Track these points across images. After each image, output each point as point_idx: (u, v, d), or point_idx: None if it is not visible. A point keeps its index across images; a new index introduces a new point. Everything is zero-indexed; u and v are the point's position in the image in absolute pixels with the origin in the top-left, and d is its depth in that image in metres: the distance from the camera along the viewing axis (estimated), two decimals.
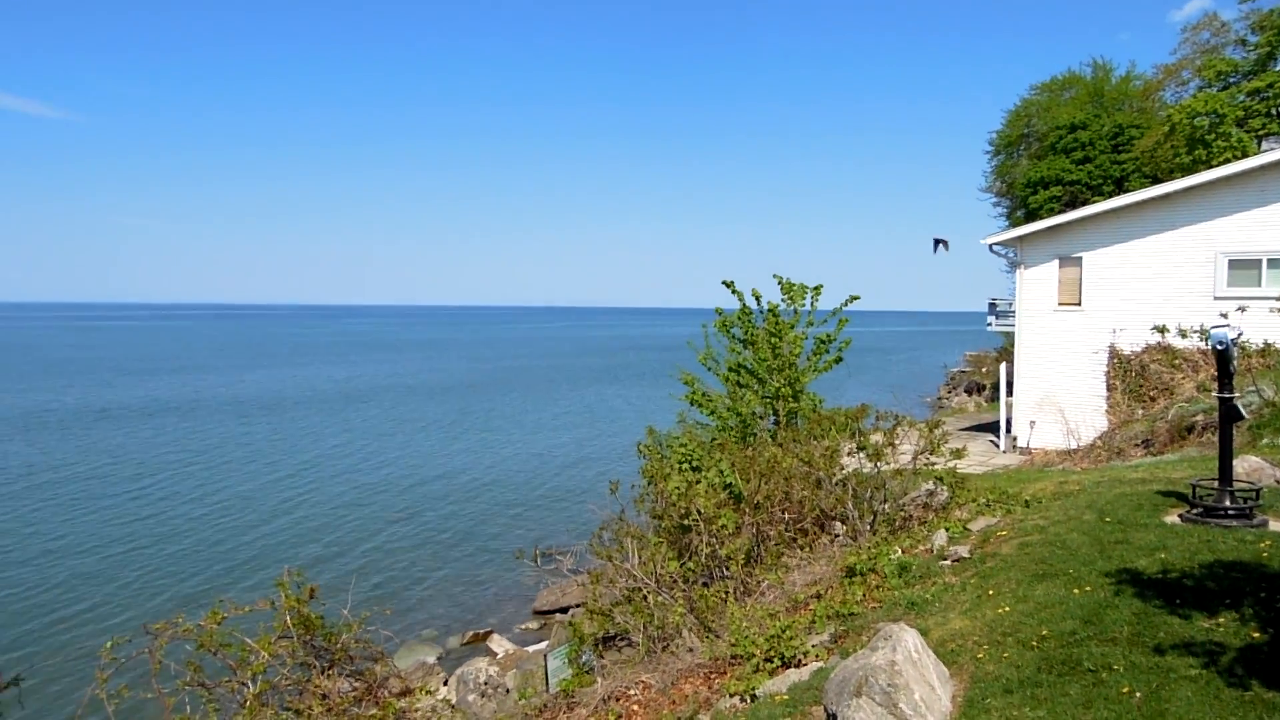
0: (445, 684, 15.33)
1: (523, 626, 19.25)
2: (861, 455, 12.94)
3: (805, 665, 7.90)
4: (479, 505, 30.22)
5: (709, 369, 20.15)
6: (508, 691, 13.94)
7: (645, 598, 10.70)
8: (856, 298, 20.47)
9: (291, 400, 61.57)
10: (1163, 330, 20.08)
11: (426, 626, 19.15)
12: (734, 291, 20.32)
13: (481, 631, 18.57)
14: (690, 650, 9.51)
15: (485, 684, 14.16)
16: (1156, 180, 39.42)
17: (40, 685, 14.47)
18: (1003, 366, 27.67)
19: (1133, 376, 22.64)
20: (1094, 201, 32.97)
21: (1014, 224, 50.11)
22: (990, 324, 37.45)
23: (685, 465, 13.52)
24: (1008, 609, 7.53)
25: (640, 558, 11.38)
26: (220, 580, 21.85)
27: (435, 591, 21.41)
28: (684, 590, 10.76)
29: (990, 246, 26.31)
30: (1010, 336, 28.94)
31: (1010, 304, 32.39)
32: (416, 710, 9.08)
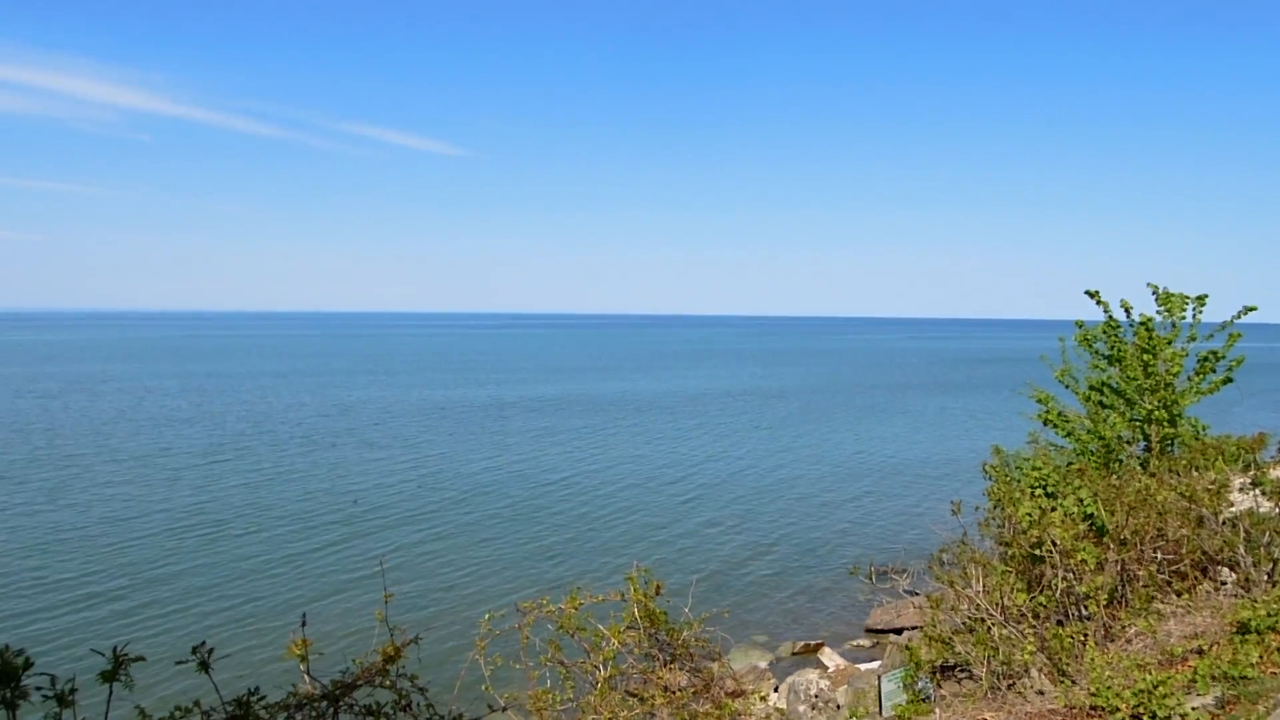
0: (775, 690, 15.49)
1: (854, 643, 18.94)
2: (1258, 492, 11.21)
3: None
4: (815, 516, 30.20)
5: (1066, 386, 18.50)
6: (838, 707, 13.79)
7: (989, 629, 10.08)
8: (1252, 309, 17.71)
9: (647, 404, 65.59)
10: None
11: (759, 631, 19.48)
12: (1099, 302, 18.47)
13: (813, 643, 18.52)
14: (1040, 693, 8.81)
15: (816, 696, 14.11)
16: None
17: (434, 644, 16.71)
18: None
19: None
20: None
21: None
22: None
23: (1038, 490, 12.54)
24: None
25: (984, 586, 10.73)
26: (578, 567, 23.82)
27: (769, 598, 21.71)
28: (1033, 626, 9.98)
29: None
30: None
31: None
32: (750, 714, 9.27)
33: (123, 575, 22.50)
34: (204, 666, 4.24)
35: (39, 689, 3.64)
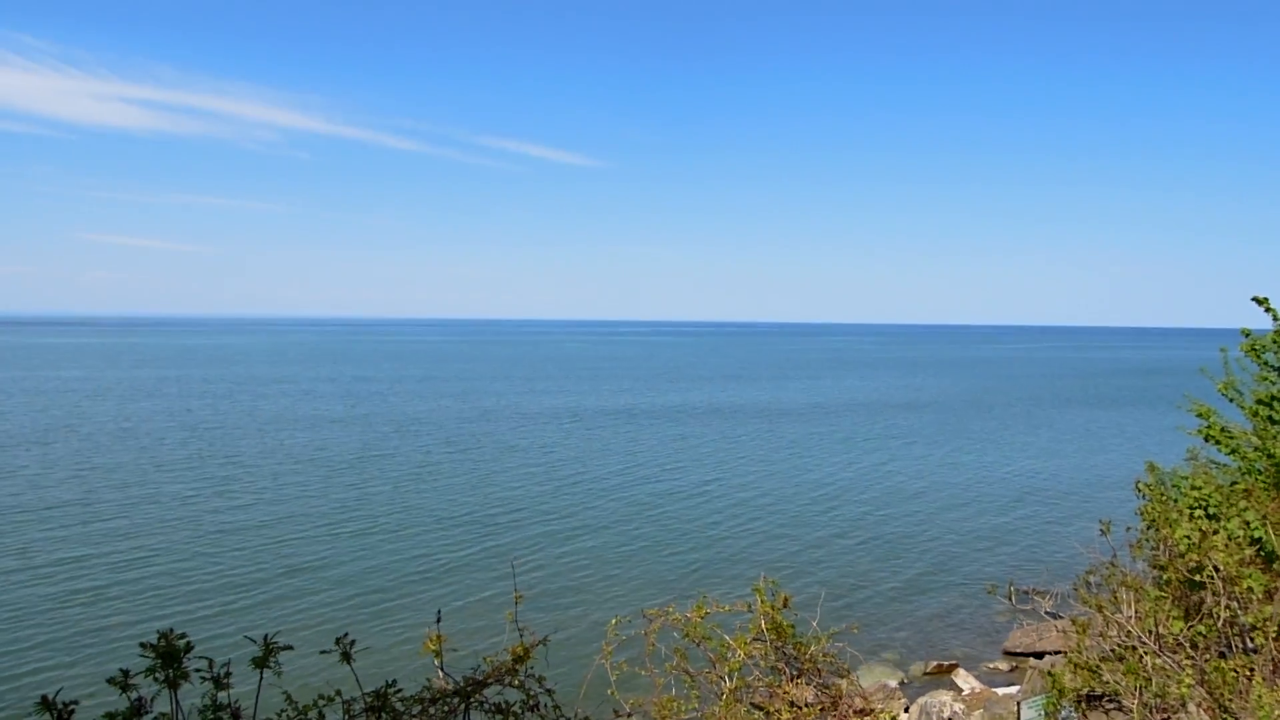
0: (906, 711, 15.03)
1: (991, 665, 18.16)
2: None
3: None
4: (950, 530, 29.18)
5: (1230, 400, 17.21)
6: None
7: (1141, 658, 9.47)
8: None
9: (780, 412, 65.01)
10: None
11: (888, 649, 18.95)
12: (1268, 309, 17.11)
13: (946, 664, 17.87)
14: None
15: (949, 719, 13.62)
16: None
17: (562, 645, 16.99)
18: None
19: None
20: None
21: None
22: None
23: (1197, 511, 11.75)
24: None
25: (1136, 611, 10.11)
26: (705, 575, 23.80)
27: (900, 615, 21.09)
28: (1191, 657, 9.33)
29: None
30: None
31: None
32: None
33: (276, 568, 23.87)
34: (346, 657, 4.44)
35: (197, 671, 3.89)
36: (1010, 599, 20.96)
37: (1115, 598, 10.42)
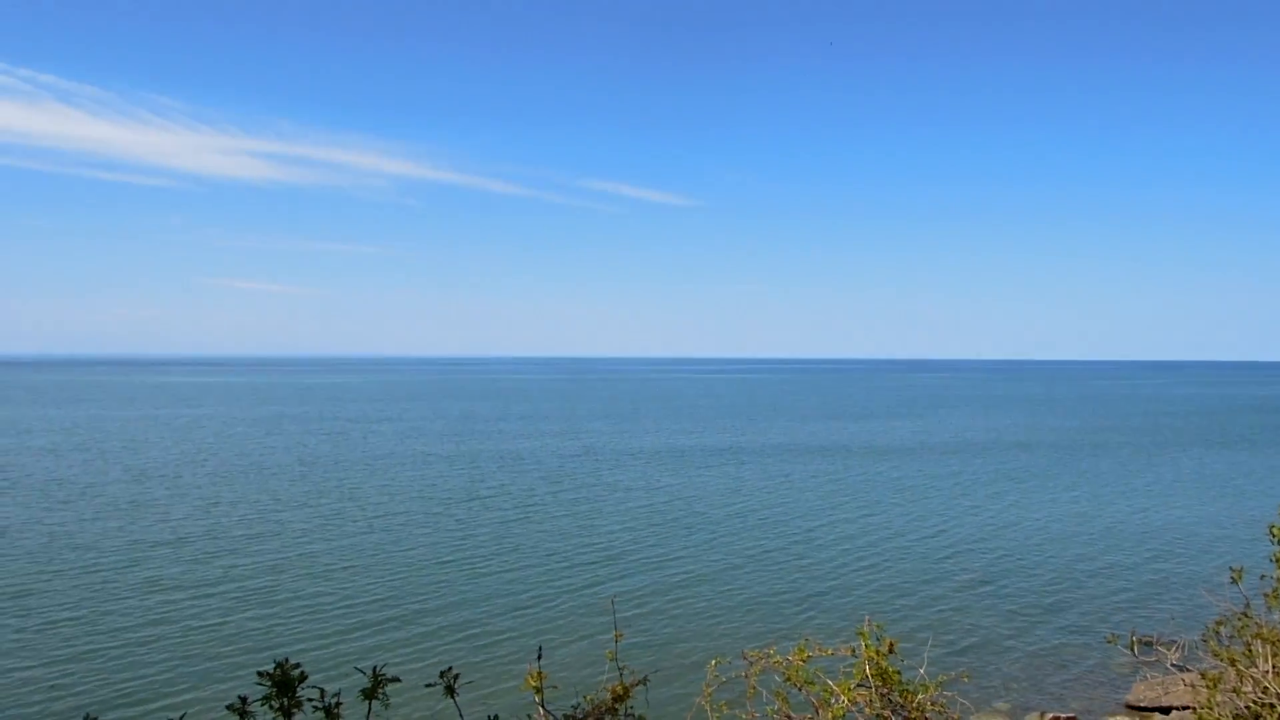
0: None
1: (1111, 719, 17.19)
2: None
3: None
4: (1066, 574, 27.88)
5: None
6: None
7: None
8: None
9: (881, 451, 63.66)
10: None
11: (1001, 698, 18.14)
12: None
13: (1063, 716, 16.99)
14: None
15: None
16: None
17: (661, 685, 16.89)
18: None
19: None
20: None
21: None
22: None
23: None
24: None
25: (1274, 666, 9.47)
26: (807, 617, 23.32)
27: (1013, 663, 20.19)
28: None
29: None
30: None
31: None
32: None
33: (385, 601, 24.49)
34: (450, 691, 4.54)
35: (310, 700, 4.04)
36: (1132, 649, 19.82)
37: (1249, 651, 9.77)
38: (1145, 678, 17.69)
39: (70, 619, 22.48)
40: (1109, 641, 20.07)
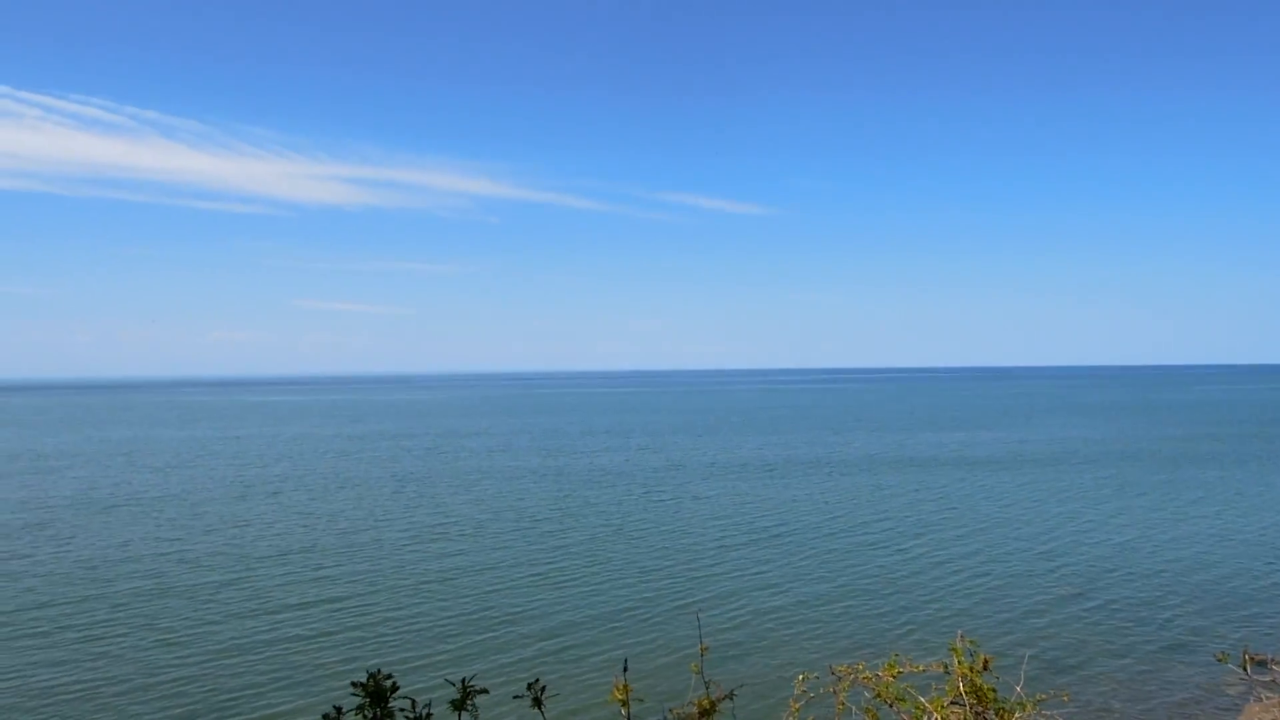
0: None
1: None
2: None
3: None
4: (1171, 589, 26.65)
5: None
6: None
7: None
8: None
9: (973, 461, 62.10)
10: None
11: (1102, 719, 17.42)
12: None
13: None
14: None
15: None
16: None
17: (747, 699, 16.72)
18: None
19: None
20: None
21: None
22: None
23: None
24: None
25: None
26: (896, 632, 22.82)
27: (1114, 682, 19.37)
28: None
29: None
30: None
31: None
32: None
33: (474, 613, 24.87)
34: (537, 703, 4.59)
35: (402, 710, 4.14)
36: (1245, 668, 18.81)
37: None
38: (1260, 699, 16.76)
39: (178, 629, 23.47)
40: (1219, 660, 19.09)
